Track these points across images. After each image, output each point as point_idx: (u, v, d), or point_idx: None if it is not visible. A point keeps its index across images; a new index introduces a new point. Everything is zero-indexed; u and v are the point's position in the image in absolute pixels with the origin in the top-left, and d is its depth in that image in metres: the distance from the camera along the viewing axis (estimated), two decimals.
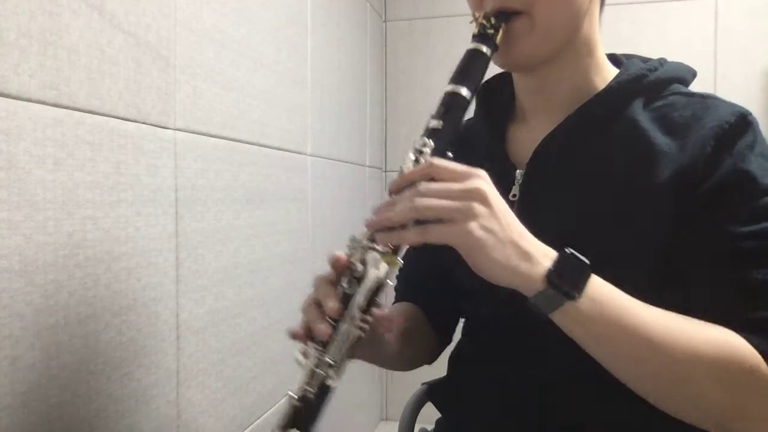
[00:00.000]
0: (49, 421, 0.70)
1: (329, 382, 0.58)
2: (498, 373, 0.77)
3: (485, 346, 0.80)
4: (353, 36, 1.97)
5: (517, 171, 0.73)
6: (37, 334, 0.68)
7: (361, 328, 0.59)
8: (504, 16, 0.65)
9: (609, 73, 0.74)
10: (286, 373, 1.38)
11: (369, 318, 0.59)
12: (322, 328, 0.58)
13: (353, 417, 2.05)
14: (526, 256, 0.55)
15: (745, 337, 0.58)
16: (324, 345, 0.58)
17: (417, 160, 0.60)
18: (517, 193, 0.72)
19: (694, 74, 0.76)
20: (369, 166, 2.16)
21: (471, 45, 0.65)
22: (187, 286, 0.99)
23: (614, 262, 0.62)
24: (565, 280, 0.55)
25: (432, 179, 0.56)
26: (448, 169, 0.56)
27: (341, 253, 0.63)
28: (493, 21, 0.65)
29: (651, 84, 0.71)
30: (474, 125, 0.83)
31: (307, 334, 0.61)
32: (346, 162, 1.88)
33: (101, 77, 0.78)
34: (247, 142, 1.19)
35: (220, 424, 1.10)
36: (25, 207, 0.67)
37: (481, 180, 0.56)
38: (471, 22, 0.66)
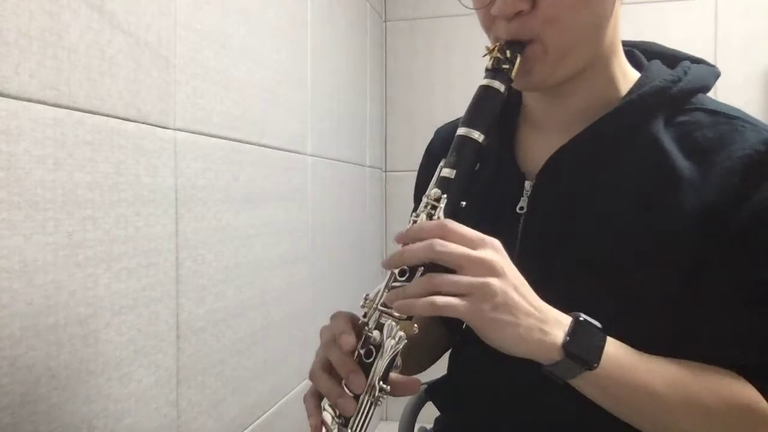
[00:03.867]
0: (49, 421, 0.70)
1: None
2: (498, 372, 0.77)
3: (485, 345, 0.80)
4: (353, 36, 1.97)
5: (527, 182, 0.70)
6: (37, 334, 0.68)
7: (378, 399, 0.58)
8: (518, 46, 0.63)
9: (630, 79, 0.70)
10: (286, 373, 1.38)
11: (387, 388, 0.58)
12: (348, 405, 0.57)
13: None
14: (540, 328, 0.55)
15: (753, 384, 0.59)
16: (346, 419, 0.57)
17: (430, 216, 0.58)
18: (524, 206, 0.69)
19: (717, 75, 0.72)
20: (369, 166, 2.16)
21: (485, 81, 0.63)
22: (187, 286, 0.99)
23: (620, 293, 0.61)
24: (582, 350, 0.55)
25: (444, 239, 0.55)
26: (461, 235, 0.55)
27: (353, 315, 0.61)
28: (508, 54, 0.62)
29: (674, 97, 0.67)
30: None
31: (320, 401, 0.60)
32: (346, 162, 1.88)
33: (101, 77, 0.78)
34: (247, 142, 1.19)
35: (220, 424, 1.10)
36: (25, 207, 0.67)
37: (495, 251, 0.55)
38: (485, 56, 0.64)
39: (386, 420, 2.40)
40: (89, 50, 0.76)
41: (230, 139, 1.13)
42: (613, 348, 0.57)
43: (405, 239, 0.57)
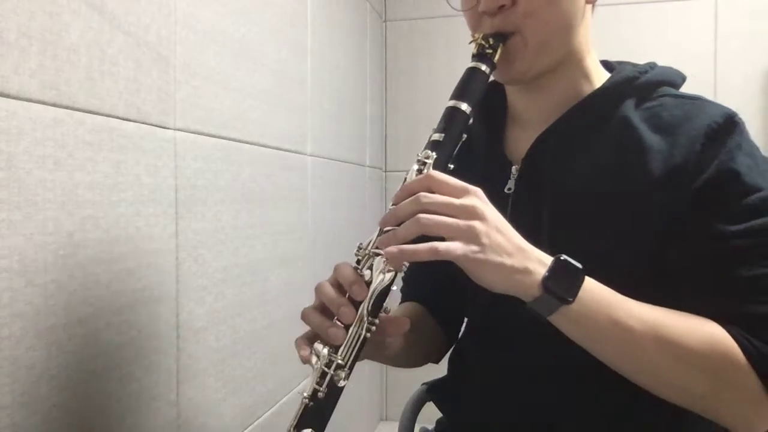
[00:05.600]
0: (49, 421, 0.70)
1: (340, 383, 0.61)
2: (498, 372, 0.77)
3: (485, 346, 0.80)
4: (353, 36, 1.97)
5: (513, 167, 0.77)
6: (37, 334, 0.68)
7: (368, 330, 0.61)
8: (500, 37, 0.70)
9: (601, 77, 0.77)
10: (286, 373, 1.38)
11: (377, 321, 0.62)
12: (337, 333, 0.61)
13: (353, 417, 2.05)
14: (523, 265, 0.59)
15: (728, 331, 0.62)
16: (336, 347, 0.61)
17: (420, 171, 0.64)
18: (512, 186, 0.76)
19: (684, 78, 0.78)
20: (369, 166, 2.16)
21: (471, 63, 0.70)
22: (187, 286, 0.99)
23: (602, 257, 0.65)
24: (560, 286, 0.59)
25: (431, 191, 0.60)
26: (445, 183, 0.60)
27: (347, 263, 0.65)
28: (491, 41, 0.69)
29: (642, 85, 0.74)
30: (474, 127, 0.84)
31: (315, 337, 0.64)
32: (346, 162, 1.88)
33: (101, 77, 0.78)
34: (247, 142, 1.19)
35: (220, 424, 1.10)
36: (25, 207, 0.67)
37: (477, 198, 0.60)
38: (470, 43, 0.71)
39: (386, 420, 2.40)
40: (89, 50, 0.76)
41: (230, 139, 1.13)
42: (591, 285, 0.61)
43: (397, 198, 0.62)
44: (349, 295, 0.62)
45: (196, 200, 1.01)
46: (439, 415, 0.90)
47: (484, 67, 0.69)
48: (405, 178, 0.64)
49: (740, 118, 0.70)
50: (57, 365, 0.71)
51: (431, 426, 0.91)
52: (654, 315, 0.62)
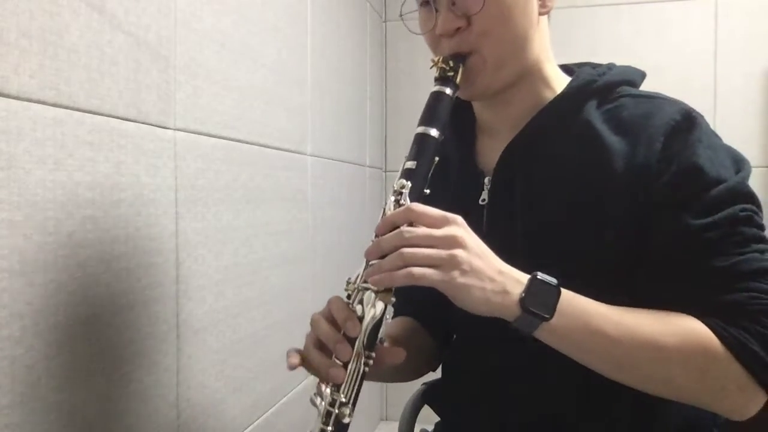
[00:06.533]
0: (49, 421, 0.70)
1: (345, 419, 0.63)
2: (489, 375, 0.78)
3: (477, 349, 0.81)
4: (353, 36, 1.97)
5: (486, 178, 0.79)
6: (37, 334, 0.68)
7: (366, 364, 0.63)
8: (460, 57, 0.72)
9: (562, 82, 0.79)
10: (286, 373, 1.38)
11: (373, 355, 0.64)
12: (337, 372, 0.63)
13: (353, 417, 2.04)
14: (501, 287, 0.61)
15: (704, 322, 0.63)
16: (337, 386, 0.63)
17: (397, 201, 0.66)
18: (486, 197, 0.78)
19: (643, 76, 0.80)
20: (369, 166, 2.16)
21: (435, 87, 0.72)
22: (187, 286, 0.99)
23: (577, 260, 0.68)
24: (537, 304, 0.61)
25: (412, 223, 0.62)
26: (425, 215, 0.62)
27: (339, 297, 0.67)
28: (451, 64, 0.71)
29: (601, 87, 0.76)
30: (446, 139, 0.86)
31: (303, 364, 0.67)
32: (346, 162, 1.88)
33: (101, 77, 0.78)
34: (247, 142, 1.19)
35: (220, 424, 1.10)
36: (25, 207, 0.67)
37: (458, 226, 0.62)
38: (431, 67, 0.73)
39: (386, 420, 2.40)
40: (89, 50, 0.76)
41: (230, 139, 1.13)
42: (567, 300, 0.63)
43: (379, 230, 0.64)
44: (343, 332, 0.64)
45: (196, 200, 1.01)
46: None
47: (448, 90, 0.71)
48: (383, 209, 0.66)
49: (698, 113, 0.72)
50: (57, 365, 0.71)
51: (431, 427, 0.91)
52: (630, 318, 0.64)
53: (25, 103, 0.67)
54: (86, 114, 0.76)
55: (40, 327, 0.69)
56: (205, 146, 1.04)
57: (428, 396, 0.93)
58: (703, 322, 0.63)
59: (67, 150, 0.73)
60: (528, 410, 0.74)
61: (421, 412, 1.03)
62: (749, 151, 0.72)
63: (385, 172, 2.38)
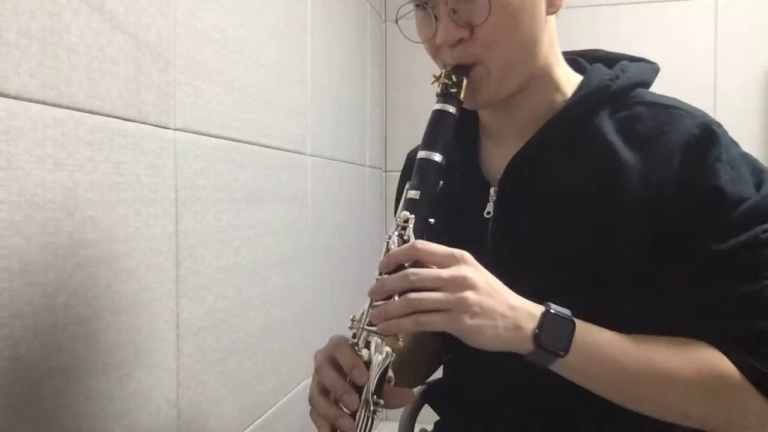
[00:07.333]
0: (49, 421, 0.70)
1: None
2: (490, 376, 0.78)
3: (478, 349, 0.81)
4: (353, 36, 1.97)
5: (491, 188, 0.75)
6: (37, 334, 0.68)
7: (374, 412, 0.62)
8: (462, 70, 0.68)
9: (573, 83, 0.74)
10: (286, 373, 1.38)
11: (381, 401, 0.62)
12: (345, 423, 0.61)
13: None
14: (514, 324, 0.59)
15: (725, 353, 0.61)
16: None
17: (401, 236, 0.63)
18: (491, 210, 0.74)
19: (657, 71, 0.76)
20: (369, 166, 2.16)
21: (437, 105, 0.68)
22: (187, 286, 0.99)
23: (586, 278, 0.65)
24: (552, 341, 0.60)
25: (417, 262, 0.60)
26: (430, 253, 0.59)
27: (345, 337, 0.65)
28: (454, 78, 0.67)
29: (614, 94, 0.71)
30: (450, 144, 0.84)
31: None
32: (346, 162, 1.88)
33: (101, 77, 0.78)
34: (247, 142, 1.19)
35: (220, 424, 1.10)
36: (25, 207, 0.67)
37: (466, 265, 0.59)
38: (433, 83, 0.68)
39: (386, 420, 2.40)
40: (89, 50, 0.76)
41: (230, 139, 1.13)
42: (582, 333, 0.61)
43: (383, 267, 0.61)
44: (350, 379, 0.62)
45: (196, 200, 1.01)
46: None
47: (451, 109, 0.67)
48: (387, 243, 0.63)
49: (717, 124, 0.67)
50: (57, 365, 0.71)
51: (431, 427, 0.91)
52: (647, 350, 0.62)
53: (25, 103, 0.67)
54: (86, 114, 0.76)
55: (40, 327, 0.69)
56: (205, 146, 1.04)
57: (428, 396, 0.93)
58: (723, 352, 0.62)
59: (67, 150, 0.73)
60: (528, 411, 0.74)
61: (421, 412, 1.03)
62: (749, 151, 0.72)
63: (385, 172, 2.37)
